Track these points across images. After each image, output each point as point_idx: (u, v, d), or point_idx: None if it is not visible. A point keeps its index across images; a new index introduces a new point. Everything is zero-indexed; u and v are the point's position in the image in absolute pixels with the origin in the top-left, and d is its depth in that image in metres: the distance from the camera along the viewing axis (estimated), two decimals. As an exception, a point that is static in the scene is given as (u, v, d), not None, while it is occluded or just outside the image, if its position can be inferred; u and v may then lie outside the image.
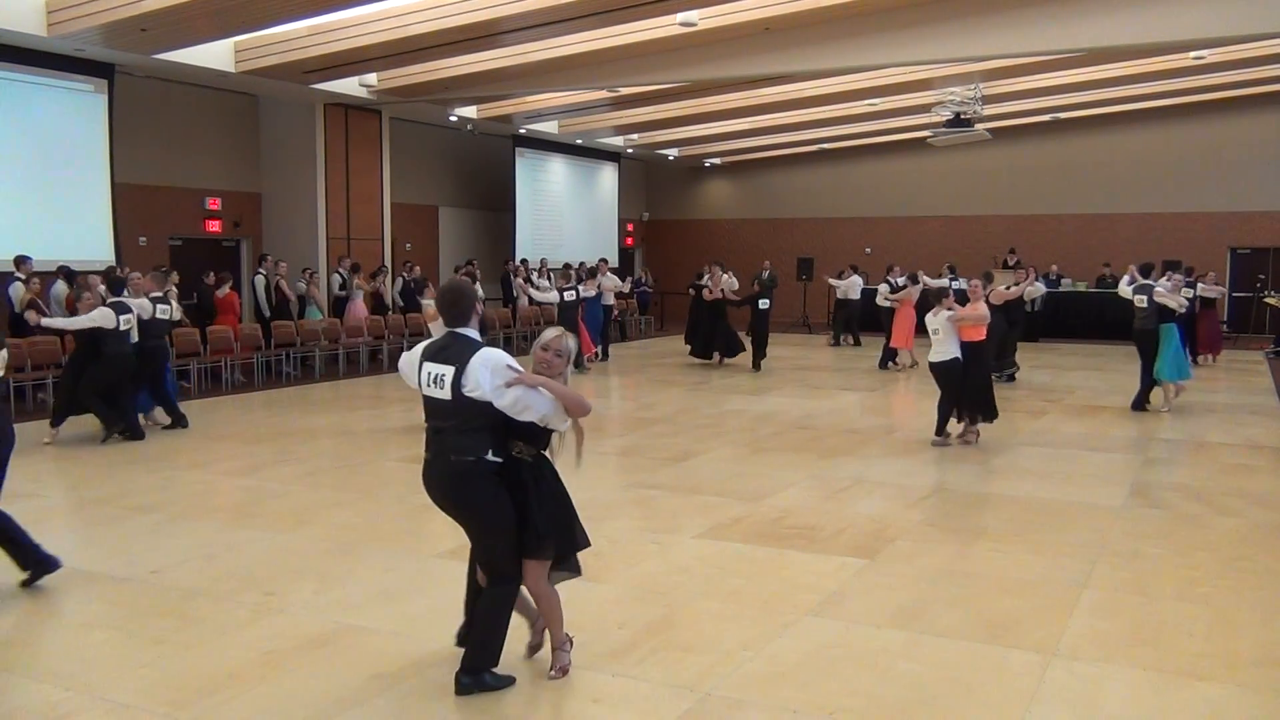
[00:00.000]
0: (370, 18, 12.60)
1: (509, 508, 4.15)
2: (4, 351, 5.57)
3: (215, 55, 13.70)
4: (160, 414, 10.62)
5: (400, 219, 19.24)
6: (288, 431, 10.68)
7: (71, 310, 11.32)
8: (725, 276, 17.12)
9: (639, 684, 4.32)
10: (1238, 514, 7.24)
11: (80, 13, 11.64)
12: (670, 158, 25.86)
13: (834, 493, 7.83)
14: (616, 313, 19.92)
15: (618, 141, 23.59)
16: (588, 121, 21.03)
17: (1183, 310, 11.75)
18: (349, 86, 15.68)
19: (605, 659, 4.56)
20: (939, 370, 9.67)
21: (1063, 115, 21.65)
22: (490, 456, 4.12)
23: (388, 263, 18.12)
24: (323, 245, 17.15)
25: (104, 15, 11.45)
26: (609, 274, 18.51)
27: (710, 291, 16.12)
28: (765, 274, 23.11)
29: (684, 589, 5.55)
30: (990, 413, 9.84)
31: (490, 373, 4.05)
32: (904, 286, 16.38)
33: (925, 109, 18.88)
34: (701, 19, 12.64)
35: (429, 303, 11.36)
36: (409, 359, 4.36)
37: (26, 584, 5.44)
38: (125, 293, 10.06)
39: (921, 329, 10.99)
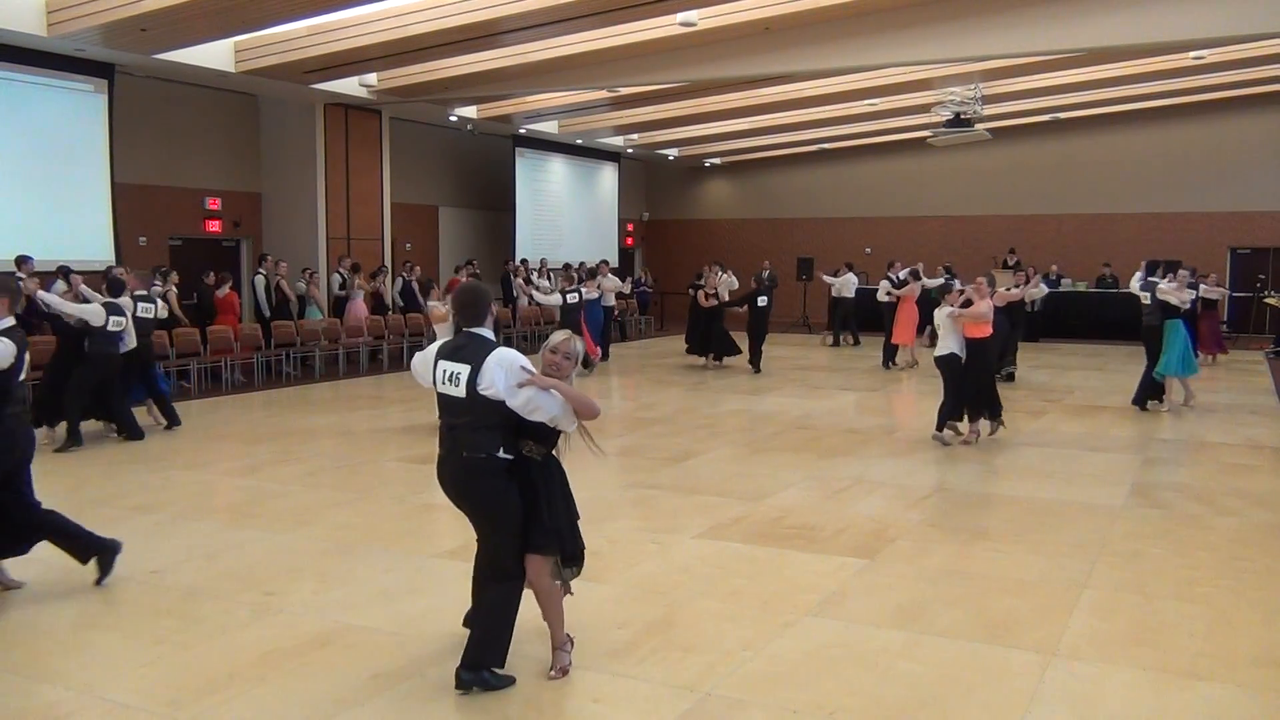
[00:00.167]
0: (370, 18, 12.60)
1: (517, 505, 4.25)
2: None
3: (215, 55, 13.70)
4: (158, 414, 10.60)
5: (400, 219, 19.24)
6: (288, 431, 10.68)
7: None
8: (726, 276, 17.10)
9: (639, 684, 4.32)
10: (1238, 514, 7.24)
11: (80, 13, 11.64)
12: (670, 158, 25.87)
13: (834, 493, 7.83)
14: (617, 313, 19.91)
15: (618, 141, 23.59)
16: (588, 121, 21.03)
17: (1185, 307, 11.75)
18: (349, 86, 15.68)
19: (605, 659, 4.56)
20: (938, 364, 9.87)
21: (1063, 115, 21.66)
22: (501, 454, 4.23)
23: (388, 263, 18.12)
24: (323, 245, 17.15)
25: (104, 15, 11.45)
26: (609, 275, 18.49)
27: (706, 297, 15.99)
28: (765, 274, 23.16)
29: (684, 589, 5.55)
30: (995, 410, 9.81)
31: (505, 372, 4.15)
32: (905, 282, 16.39)
33: (925, 109, 18.88)
34: (701, 19, 12.63)
35: (435, 304, 11.32)
36: (423, 357, 4.48)
37: (99, 582, 5.47)
38: (124, 295, 10.04)
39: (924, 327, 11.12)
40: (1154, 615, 5.19)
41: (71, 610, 5.24)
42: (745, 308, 16.10)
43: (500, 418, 4.21)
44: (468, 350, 4.25)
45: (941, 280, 16.74)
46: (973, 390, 9.72)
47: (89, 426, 10.07)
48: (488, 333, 4.33)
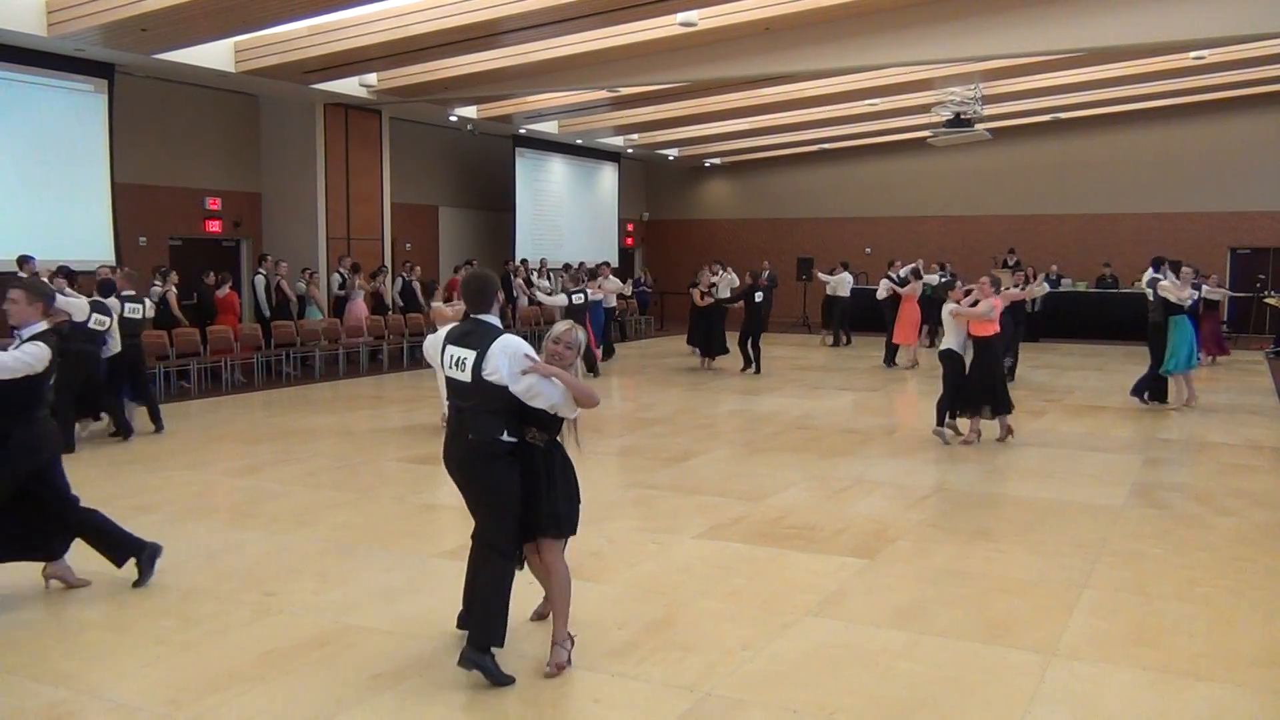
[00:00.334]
0: (370, 18, 12.60)
1: (516, 488, 4.38)
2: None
3: (215, 55, 13.69)
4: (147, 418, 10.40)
5: (400, 219, 19.24)
6: (288, 431, 10.68)
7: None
8: (727, 275, 17.08)
9: (639, 684, 4.32)
10: (1238, 514, 7.24)
11: (80, 13, 11.64)
12: (670, 158, 25.86)
13: (834, 493, 7.83)
14: (618, 313, 19.89)
15: (618, 141, 23.59)
16: (588, 121, 21.03)
17: (1185, 304, 11.76)
18: (349, 86, 15.68)
19: (605, 659, 4.56)
20: (939, 358, 10.01)
21: (1063, 115, 21.66)
22: (505, 437, 4.36)
23: (388, 263, 18.12)
24: (323, 245, 17.15)
25: (104, 15, 11.45)
26: (610, 276, 18.48)
27: (701, 296, 15.85)
28: (765, 274, 23.15)
29: (684, 589, 5.55)
30: (1000, 406, 9.78)
31: (509, 359, 4.29)
32: (906, 281, 16.38)
33: (925, 109, 18.88)
34: (701, 19, 12.63)
35: (440, 304, 11.27)
36: (433, 340, 4.63)
37: (138, 584, 5.48)
38: (111, 296, 9.97)
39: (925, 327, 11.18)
40: (1154, 615, 5.19)
41: (72, 610, 5.24)
42: (741, 303, 15.96)
43: (504, 403, 4.33)
44: (474, 336, 4.40)
45: (938, 276, 16.78)
46: (979, 387, 9.70)
47: (87, 426, 10.08)
48: (494, 319, 4.48)
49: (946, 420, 9.96)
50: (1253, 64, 16.95)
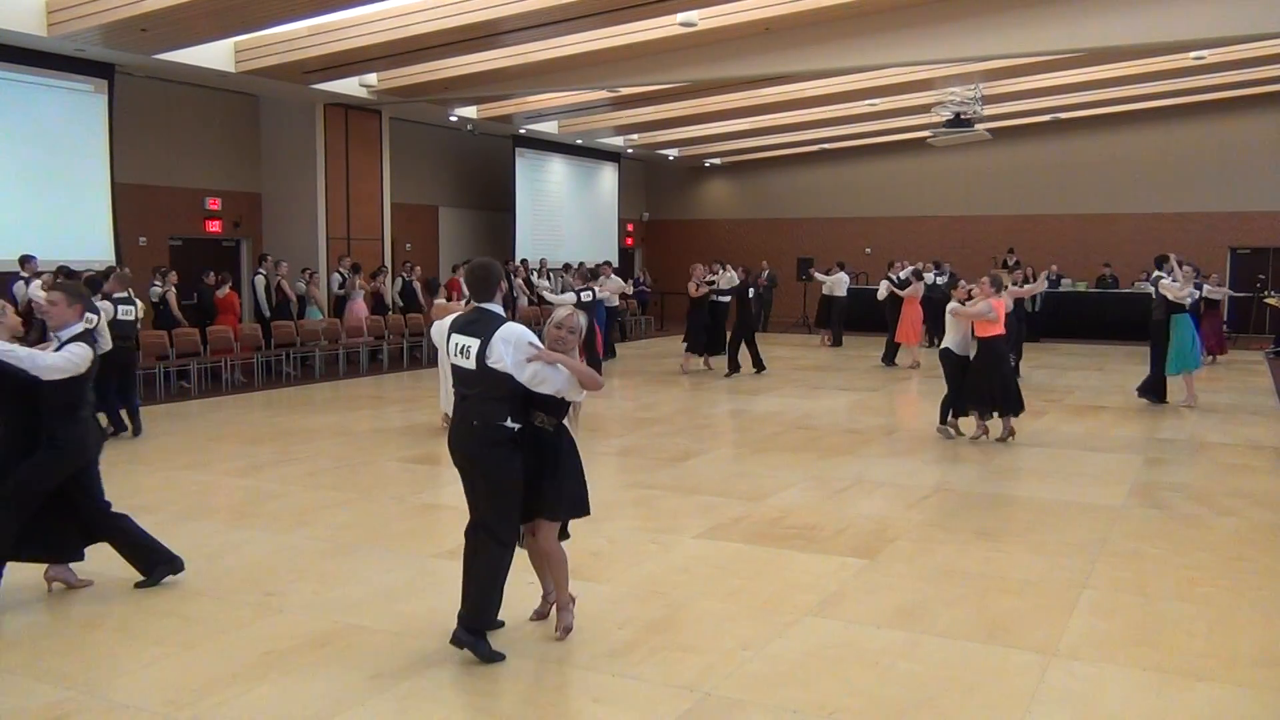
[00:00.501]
0: (370, 18, 12.60)
1: (518, 475, 4.48)
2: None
3: (215, 55, 13.70)
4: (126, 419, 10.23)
5: (400, 219, 19.24)
6: (288, 431, 10.68)
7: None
8: (727, 274, 17.02)
9: (639, 684, 4.32)
10: (1238, 514, 7.24)
11: (80, 13, 11.64)
12: (670, 158, 25.87)
13: (834, 493, 7.83)
14: (620, 313, 19.84)
15: (618, 141, 23.59)
16: (588, 121, 21.03)
17: (1185, 303, 11.77)
18: (349, 86, 15.68)
19: (605, 659, 4.56)
20: (939, 358, 10.14)
21: (1063, 115, 21.66)
22: (509, 423, 4.46)
23: (388, 263, 18.12)
24: (323, 245, 17.15)
25: (104, 15, 11.46)
26: (612, 275, 18.47)
27: (696, 288, 15.55)
28: (765, 273, 23.14)
29: (684, 589, 5.54)
30: (1010, 406, 9.78)
31: (512, 347, 4.39)
32: (908, 282, 16.37)
33: (925, 109, 18.88)
34: (701, 19, 12.64)
35: (442, 301, 11.24)
36: (440, 327, 4.93)
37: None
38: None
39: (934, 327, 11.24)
40: (1154, 615, 5.19)
41: (72, 610, 5.24)
42: (732, 299, 15.77)
43: (509, 390, 4.43)
44: (478, 325, 4.49)
45: (933, 275, 16.76)
46: (987, 388, 9.69)
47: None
48: (497, 308, 4.57)
49: (949, 419, 9.99)
50: (1253, 64, 16.95)
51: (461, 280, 17.08)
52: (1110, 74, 17.23)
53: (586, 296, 15.19)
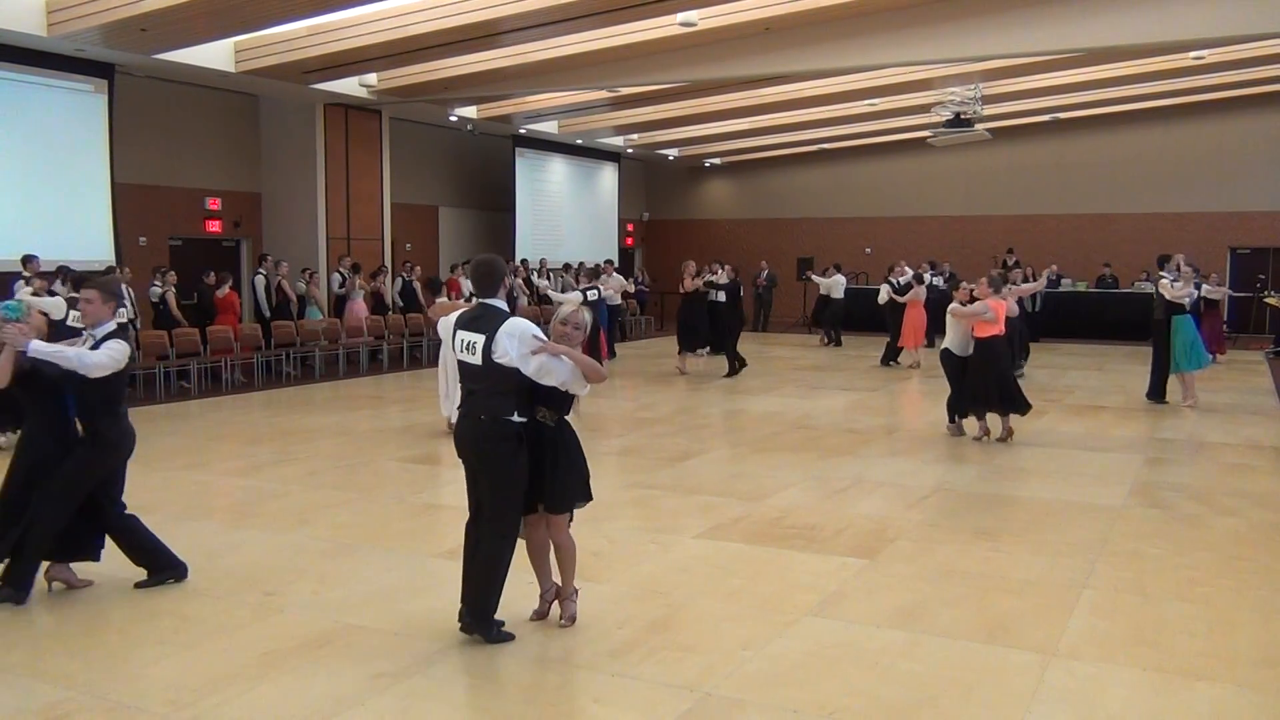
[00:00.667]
0: (370, 18, 12.60)
1: (524, 469, 4.58)
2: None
3: (215, 55, 13.70)
4: None
5: (400, 219, 19.24)
6: (288, 431, 10.68)
7: None
8: (726, 273, 16.99)
9: (639, 684, 4.32)
10: (1238, 514, 7.24)
11: (80, 13, 11.64)
12: (670, 158, 25.87)
13: (834, 493, 7.83)
14: (622, 312, 19.81)
15: (618, 141, 23.59)
16: (588, 121, 21.03)
17: (1184, 302, 11.77)
18: (349, 86, 15.68)
19: (605, 659, 4.56)
20: (940, 359, 10.20)
21: (1063, 115, 21.66)
22: (514, 418, 4.56)
23: (388, 263, 18.12)
24: (323, 245, 17.15)
25: (104, 15, 11.45)
26: (614, 274, 18.47)
27: (690, 280, 15.31)
28: (764, 274, 23.17)
29: (684, 589, 5.54)
30: (1012, 405, 9.78)
31: (517, 341, 4.47)
32: (909, 287, 16.36)
33: (925, 109, 18.88)
34: (701, 19, 12.63)
35: (444, 300, 11.14)
36: (446, 323, 4.91)
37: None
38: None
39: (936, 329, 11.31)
40: (1154, 615, 5.19)
41: (72, 610, 5.23)
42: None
43: (514, 384, 4.53)
44: (483, 320, 4.58)
45: (931, 275, 16.74)
46: (983, 388, 9.70)
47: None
48: (500, 303, 4.65)
49: (956, 419, 10.08)
50: (1253, 64, 16.95)
51: (461, 280, 17.11)
52: (1110, 74, 17.23)
53: (592, 295, 15.21)
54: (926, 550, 6.30)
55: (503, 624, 4.69)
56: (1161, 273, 12.26)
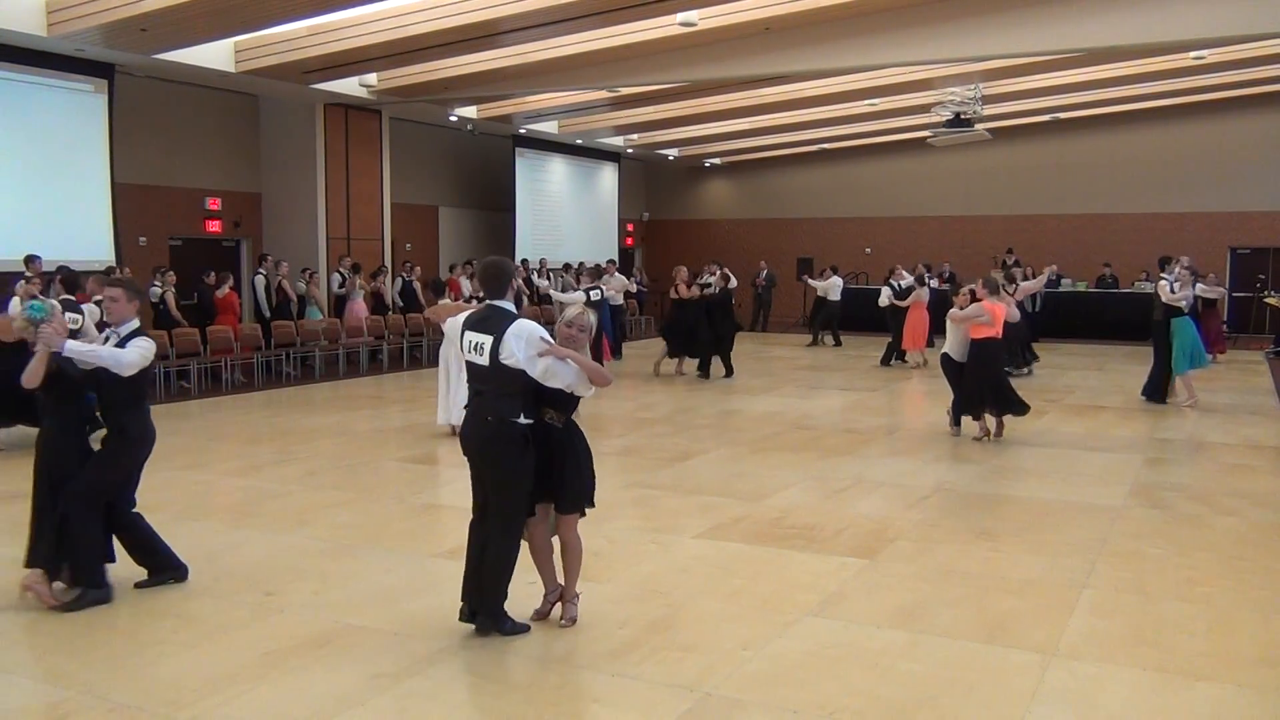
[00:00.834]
0: (370, 18, 12.60)
1: (530, 469, 4.63)
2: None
3: (215, 55, 13.69)
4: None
5: (400, 219, 19.24)
6: (288, 431, 10.68)
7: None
8: (724, 274, 16.95)
9: (639, 684, 4.32)
10: (1238, 514, 7.24)
11: (80, 13, 11.64)
12: (670, 158, 25.86)
13: (834, 493, 7.83)
14: (625, 312, 19.78)
15: (618, 141, 23.59)
16: (588, 121, 21.03)
17: (1181, 305, 11.78)
18: (349, 86, 15.68)
19: (605, 659, 4.56)
20: (940, 362, 10.25)
21: (1063, 115, 21.66)
22: (521, 419, 4.60)
23: (388, 263, 18.12)
24: (323, 245, 17.15)
25: (104, 15, 11.45)
26: (616, 274, 18.47)
27: (688, 287, 14.99)
28: (763, 274, 23.16)
29: (684, 589, 5.55)
30: (1011, 408, 9.80)
31: (524, 343, 4.53)
32: (910, 290, 16.36)
33: (925, 109, 18.88)
34: (701, 19, 12.63)
35: (447, 302, 11.09)
36: (454, 324, 4.93)
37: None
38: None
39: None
40: (1154, 615, 5.19)
41: (72, 610, 5.23)
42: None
43: (521, 385, 4.58)
44: (490, 322, 4.64)
45: (927, 279, 16.74)
46: (977, 389, 9.73)
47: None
48: (508, 305, 4.72)
49: (962, 420, 10.10)
50: (1253, 64, 16.95)
51: (460, 280, 17.11)
52: (1110, 74, 17.22)
53: (595, 295, 15.19)
54: (926, 550, 6.30)
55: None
56: (1162, 275, 12.28)
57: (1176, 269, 12.39)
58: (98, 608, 5.17)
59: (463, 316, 4.84)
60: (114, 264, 13.77)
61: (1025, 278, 17.84)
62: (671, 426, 10.87)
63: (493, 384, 4.60)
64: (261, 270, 15.81)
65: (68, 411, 5.30)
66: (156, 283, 13.78)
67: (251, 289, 16.03)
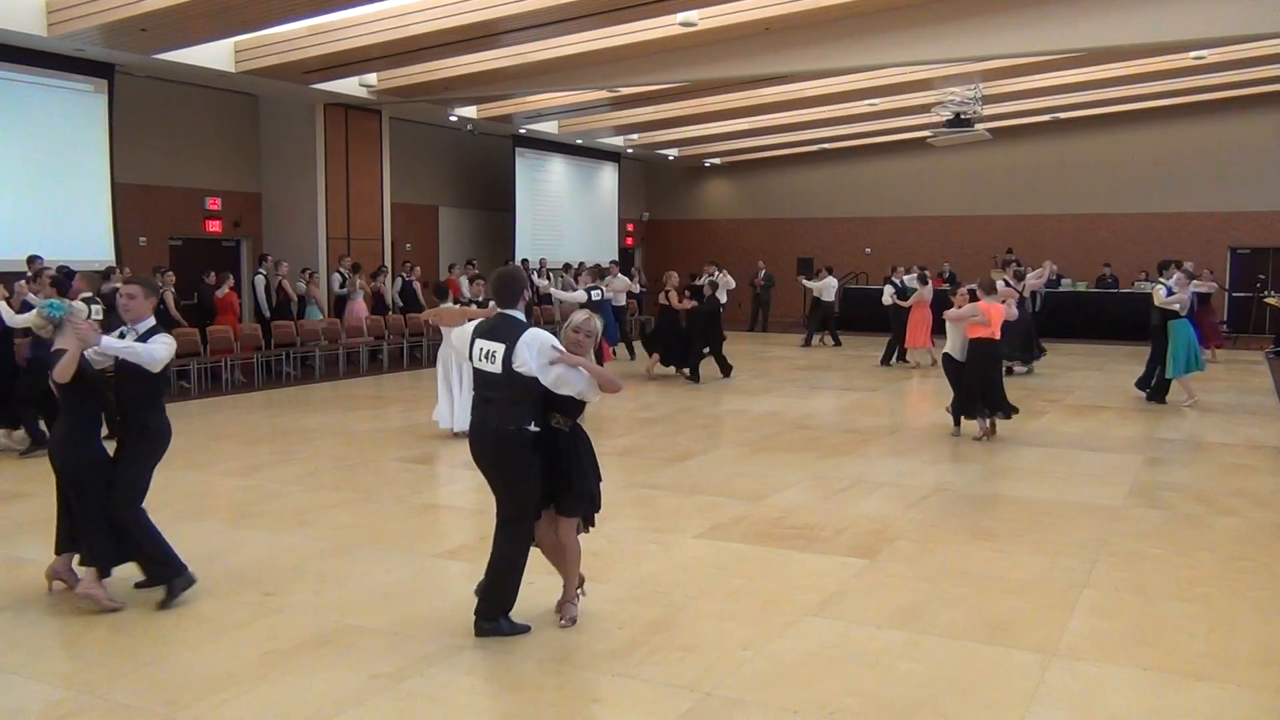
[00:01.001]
0: (370, 18, 12.60)
1: (538, 476, 4.70)
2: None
3: (215, 55, 13.69)
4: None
5: (400, 219, 19.24)
6: (288, 431, 10.68)
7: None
8: (722, 275, 16.99)
9: (639, 684, 4.32)
10: (1238, 514, 7.24)
11: (80, 13, 11.64)
12: (670, 158, 25.86)
13: (834, 493, 7.83)
14: (629, 312, 19.78)
15: (618, 141, 23.59)
16: (588, 121, 21.03)
17: (1177, 308, 11.79)
18: (349, 86, 15.68)
19: (605, 659, 4.56)
20: (942, 362, 10.31)
21: (1063, 115, 21.65)
22: (531, 427, 4.66)
23: (388, 263, 18.12)
24: (323, 245, 17.15)
25: (104, 15, 11.45)
26: (619, 274, 18.48)
27: (679, 299, 14.79)
28: (761, 274, 23.16)
29: (684, 589, 5.54)
30: (998, 409, 9.83)
31: (536, 351, 4.60)
32: (912, 289, 16.37)
33: (925, 109, 18.88)
34: (701, 19, 12.63)
35: (450, 305, 10.98)
36: (461, 333, 4.96)
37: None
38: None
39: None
40: (1154, 615, 5.19)
41: (72, 610, 5.23)
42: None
43: (532, 393, 4.64)
44: (502, 330, 4.70)
45: (915, 279, 16.76)
46: (973, 389, 9.76)
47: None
48: (520, 314, 4.78)
49: (963, 421, 10.11)
50: (1253, 64, 16.94)
51: (459, 281, 17.11)
52: (1110, 74, 17.22)
53: (597, 295, 15.20)
54: (926, 550, 6.30)
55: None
56: (1160, 279, 12.29)
57: (1175, 274, 12.41)
58: (95, 608, 5.16)
59: (471, 326, 4.87)
60: (114, 264, 13.76)
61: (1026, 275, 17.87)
62: (671, 426, 10.87)
63: (504, 392, 4.65)
64: (261, 270, 15.81)
65: (84, 410, 5.28)
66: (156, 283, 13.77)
67: (251, 289, 16.03)
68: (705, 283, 15.56)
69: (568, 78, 15.13)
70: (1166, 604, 5.36)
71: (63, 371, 5.03)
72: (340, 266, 16.86)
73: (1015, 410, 9.97)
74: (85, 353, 5.09)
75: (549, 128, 21.26)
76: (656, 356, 14.89)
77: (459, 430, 9.61)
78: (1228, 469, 8.80)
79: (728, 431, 10.77)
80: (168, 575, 5.28)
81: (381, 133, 18.11)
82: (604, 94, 17.46)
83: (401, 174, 19.05)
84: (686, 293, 15.42)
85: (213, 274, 14.88)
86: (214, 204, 16.72)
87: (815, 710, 4.06)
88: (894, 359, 16.42)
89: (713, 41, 13.63)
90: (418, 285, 17.63)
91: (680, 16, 12.49)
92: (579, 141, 22.95)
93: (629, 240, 27.35)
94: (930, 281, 16.85)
